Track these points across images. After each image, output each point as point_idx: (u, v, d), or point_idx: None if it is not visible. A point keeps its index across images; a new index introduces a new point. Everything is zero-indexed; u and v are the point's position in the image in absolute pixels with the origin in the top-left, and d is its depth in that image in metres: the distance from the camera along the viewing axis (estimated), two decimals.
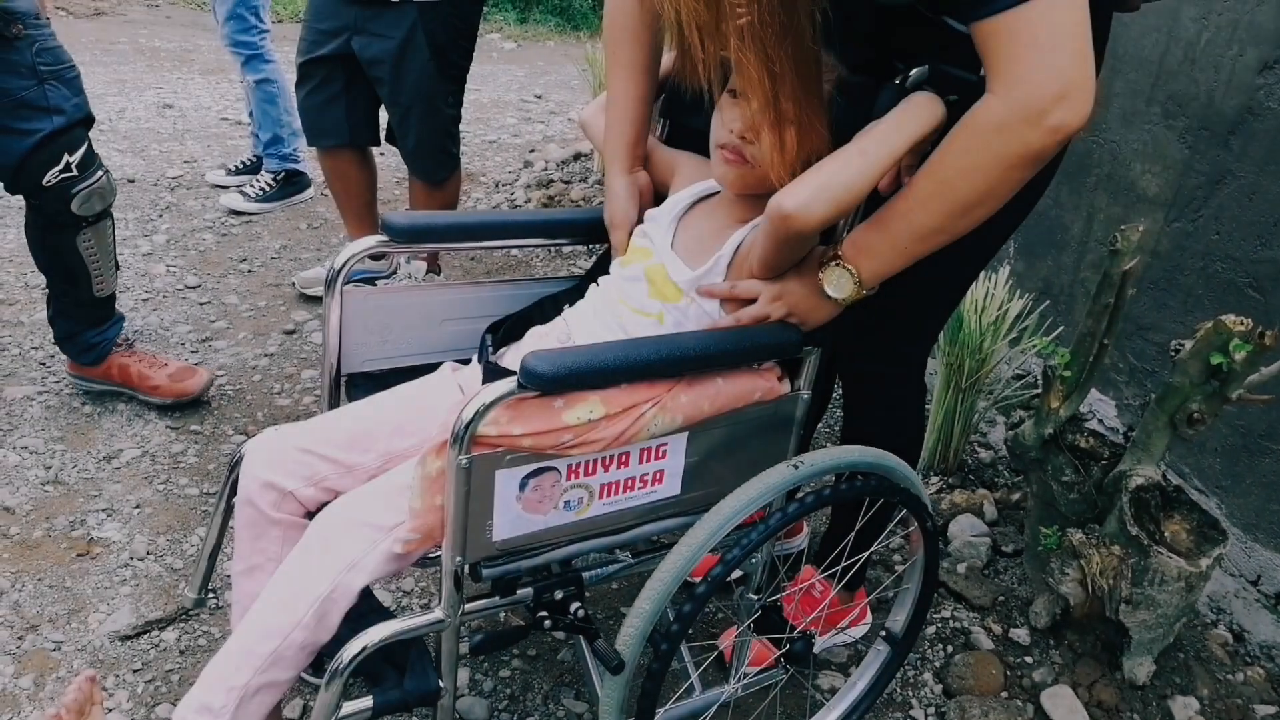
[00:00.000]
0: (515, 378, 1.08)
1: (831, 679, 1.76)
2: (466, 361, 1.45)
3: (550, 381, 1.07)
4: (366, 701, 1.16)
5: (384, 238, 1.42)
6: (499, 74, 6.15)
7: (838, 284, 1.19)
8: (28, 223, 2.18)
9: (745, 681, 1.51)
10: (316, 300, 2.95)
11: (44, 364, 2.48)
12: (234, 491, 1.39)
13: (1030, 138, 1.03)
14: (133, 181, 3.73)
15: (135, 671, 1.67)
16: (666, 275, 1.29)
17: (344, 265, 1.39)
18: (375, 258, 2.28)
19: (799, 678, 1.67)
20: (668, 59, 1.47)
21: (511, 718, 1.65)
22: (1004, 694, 1.72)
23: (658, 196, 1.49)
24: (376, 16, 2.35)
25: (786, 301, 1.22)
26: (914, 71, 1.18)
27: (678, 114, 1.53)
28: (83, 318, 2.30)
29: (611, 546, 1.31)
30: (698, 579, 1.28)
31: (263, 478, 1.26)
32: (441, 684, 1.20)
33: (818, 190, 1.11)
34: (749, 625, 1.46)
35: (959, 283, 1.56)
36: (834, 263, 1.19)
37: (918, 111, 1.13)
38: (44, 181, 2.05)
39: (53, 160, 2.05)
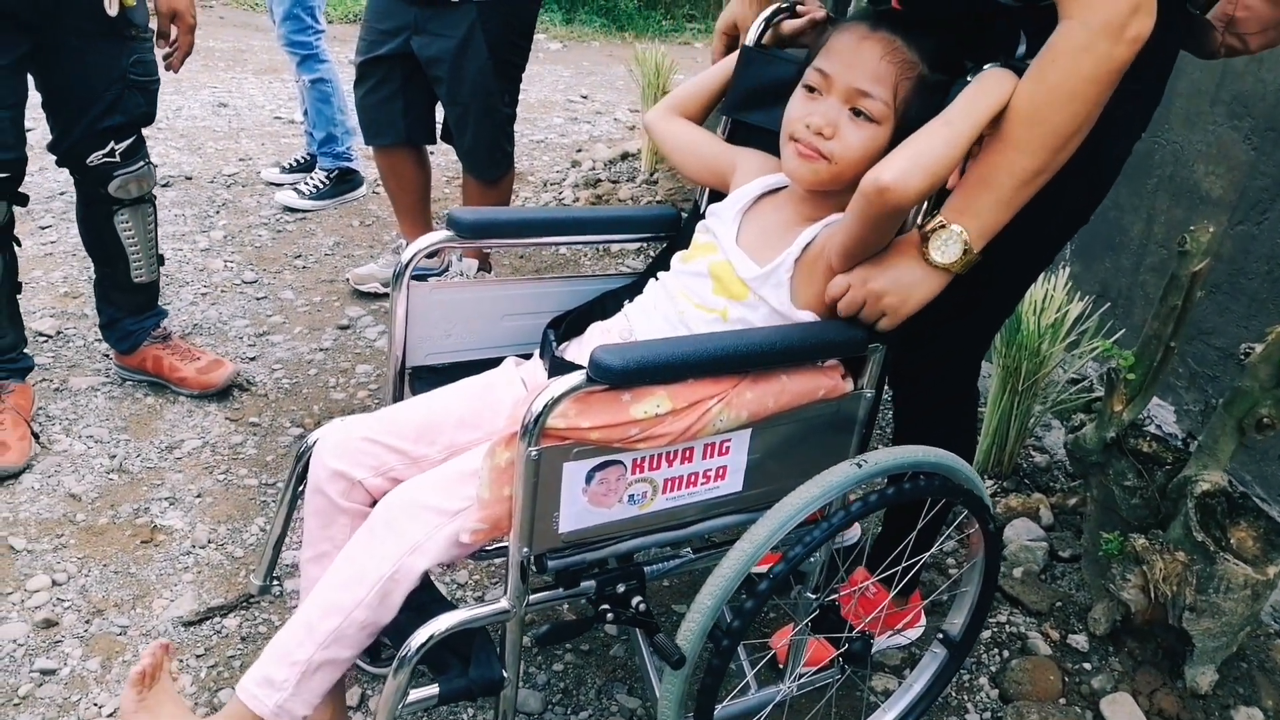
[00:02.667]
0: (584, 371, 1.09)
1: (885, 681, 1.75)
2: (528, 356, 1.46)
3: (619, 375, 1.08)
4: (432, 689, 1.18)
5: (449, 233, 1.44)
6: (545, 74, 6.18)
7: (944, 247, 1.16)
8: (76, 200, 2.30)
9: (801, 681, 1.51)
10: (370, 296, 2.99)
11: (107, 355, 2.54)
12: (299, 481, 1.41)
13: (1115, 53, 1.07)
14: (190, 179, 3.81)
15: (198, 656, 1.71)
16: (733, 272, 1.29)
17: (411, 260, 1.41)
18: (428, 255, 2.35)
19: (855, 679, 1.66)
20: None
21: (565, 711, 1.66)
22: (1062, 700, 1.70)
23: (719, 195, 1.49)
24: (437, 16, 2.38)
25: (879, 283, 1.19)
26: (986, 67, 1.17)
27: (737, 109, 1.53)
28: (123, 304, 2.38)
29: (672, 542, 1.32)
30: (764, 567, 1.27)
31: (332, 467, 1.29)
32: (505, 674, 1.21)
33: (913, 161, 1.10)
34: (807, 624, 1.46)
35: (1016, 289, 1.55)
36: (939, 227, 1.17)
37: (995, 83, 1.14)
38: (88, 161, 2.16)
39: (100, 145, 2.16)
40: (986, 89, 1.14)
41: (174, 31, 2.18)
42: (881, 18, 1.26)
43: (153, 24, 2.19)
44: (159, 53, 2.20)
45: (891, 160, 1.12)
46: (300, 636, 1.19)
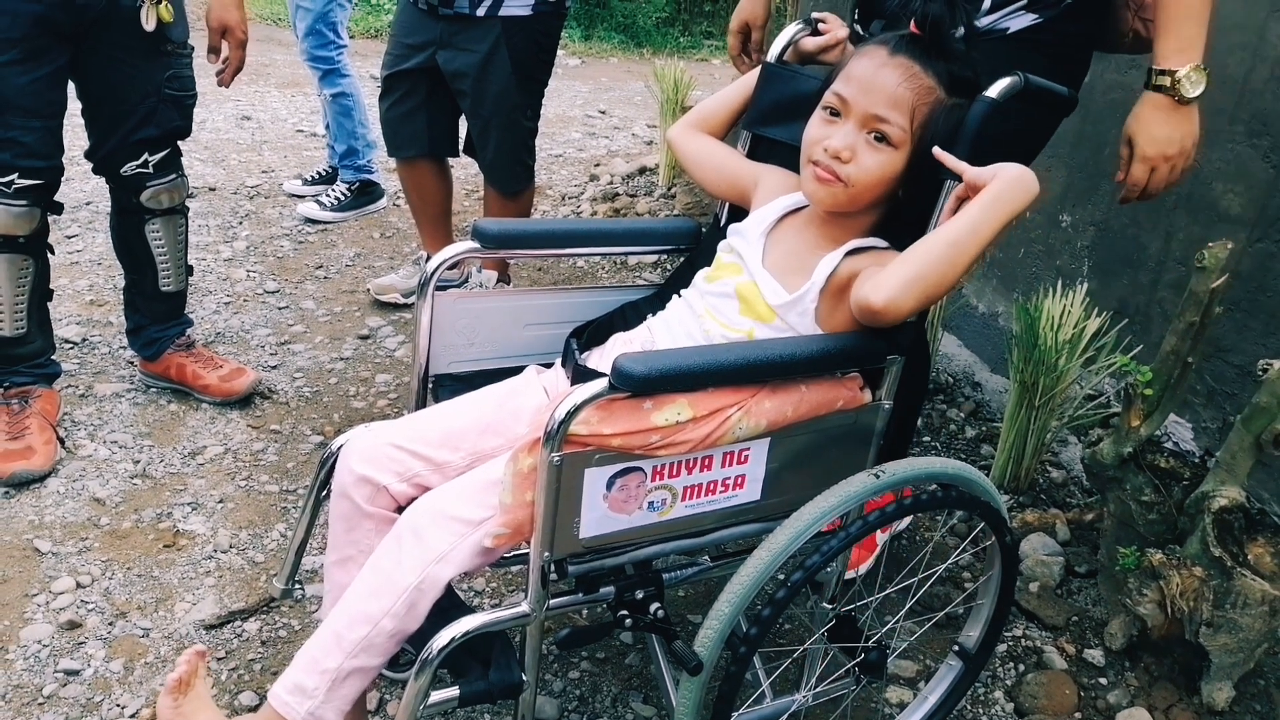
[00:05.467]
0: (607, 379, 1.11)
1: (901, 694, 1.75)
2: (549, 365, 1.48)
3: (641, 383, 1.10)
4: (452, 691, 1.20)
5: (474, 244, 1.46)
6: (563, 89, 6.23)
7: (1196, 84, 1.40)
8: (110, 208, 2.35)
9: (816, 691, 1.52)
10: (390, 307, 3.02)
11: (131, 363, 2.57)
12: (323, 487, 1.44)
13: None
14: (214, 190, 3.86)
15: (219, 659, 1.73)
16: (759, 295, 1.31)
17: (436, 270, 1.43)
18: (449, 266, 2.40)
19: (868, 691, 1.67)
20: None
21: (580, 719, 1.67)
22: (1077, 715, 1.70)
23: (740, 212, 1.51)
24: (462, 31, 2.41)
25: (1173, 147, 1.44)
26: (1006, 82, 1.19)
27: (758, 124, 1.55)
28: (148, 311, 2.43)
29: (689, 550, 1.34)
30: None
31: (359, 472, 1.31)
32: (524, 677, 1.23)
33: (906, 287, 1.15)
34: (823, 634, 1.47)
35: None
36: (1187, 69, 1.39)
37: (1010, 193, 1.16)
38: (122, 171, 2.22)
39: (133, 156, 2.21)
40: (1000, 203, 1.16)
41: (225, 47, 2.22)
42: (900, 42, 1.28)
43: (192, 40, 2.24)
44: (211, 68, 2.25)
45: (884, 281, 1.16)
46: (329, 645, 1.20)
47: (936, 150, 1.21)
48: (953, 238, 1.16)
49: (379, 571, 1.21)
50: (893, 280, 1.16)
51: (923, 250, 1.17)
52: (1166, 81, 1.40)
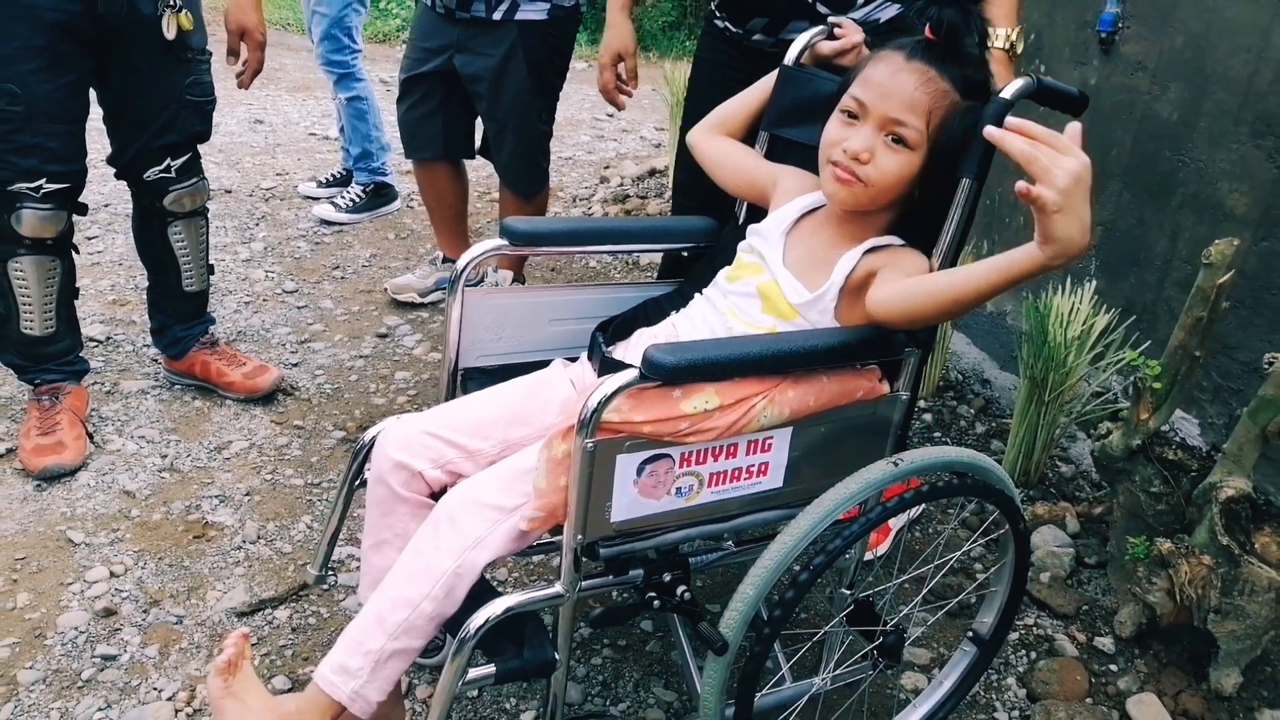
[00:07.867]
0: (637, 368, 1.15)
1: (916, 679, 1.79)
2: (574, 359, 1.53)
3: (671, 372, 1.14)
4: (489, 669, 1.24)
5: (503, 241, 1.51)
6: (571, 93, 6.25)
7: (1020, 39, 1.62)
8: (132, 211, 2.40)
9: (834, 674, 1.56)
10: (407, 306, 3.07)
11: (155, 360, 2.62)
12: (356, 477, 1.48)
13: None
14: (230, 192, 3.91)
15: (251, 646, 1.77)
16: (781, 294, 1.36)
17: (466, 267, 1.48)
18: None
19: (884, 676, 1.71)
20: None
21: (604, 703, 1.72)
22: (1088, 700, 1.75)
23: (759, 212, 1.56)
24: (479, 35, 2.47)
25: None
26: (1019, 84, 1.23)
27: (777, 125, 1.60)
28: (172, 311, 2.48)
29: (714, 535, 1.38)
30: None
31: (395, 458, 1.35)
32: (557, 656, 1.27)
33: (903, 312, 1.25)
34: (841, 619, 1.51)
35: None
36: (1015, 31, 1.61)
37: (1024, 260, 1.12)
38: (145, 176, 2.26)
39: (156, 161, 2.26)
40: (1030, 276, 1.14)
41: (244, 49, 2.27)
42: (916, 47, 1.32)
43: (211, 46, 2.29)
44: (231, 69, 2.30)
45: (887, 302, 1.25)
46: (372, 628, 1.25)
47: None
48: (958, 294, 1.18)
49: (418, 556, 1.26)
50: (893, 305, 1.24)
51: (929, 292, 1.22)
52: (1004, 43, 1.63)
